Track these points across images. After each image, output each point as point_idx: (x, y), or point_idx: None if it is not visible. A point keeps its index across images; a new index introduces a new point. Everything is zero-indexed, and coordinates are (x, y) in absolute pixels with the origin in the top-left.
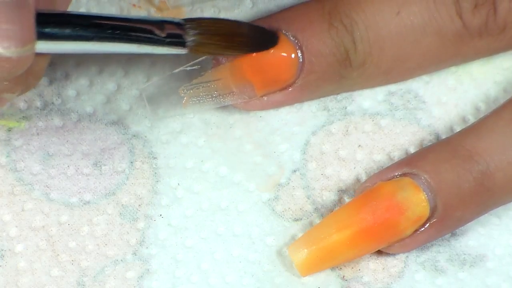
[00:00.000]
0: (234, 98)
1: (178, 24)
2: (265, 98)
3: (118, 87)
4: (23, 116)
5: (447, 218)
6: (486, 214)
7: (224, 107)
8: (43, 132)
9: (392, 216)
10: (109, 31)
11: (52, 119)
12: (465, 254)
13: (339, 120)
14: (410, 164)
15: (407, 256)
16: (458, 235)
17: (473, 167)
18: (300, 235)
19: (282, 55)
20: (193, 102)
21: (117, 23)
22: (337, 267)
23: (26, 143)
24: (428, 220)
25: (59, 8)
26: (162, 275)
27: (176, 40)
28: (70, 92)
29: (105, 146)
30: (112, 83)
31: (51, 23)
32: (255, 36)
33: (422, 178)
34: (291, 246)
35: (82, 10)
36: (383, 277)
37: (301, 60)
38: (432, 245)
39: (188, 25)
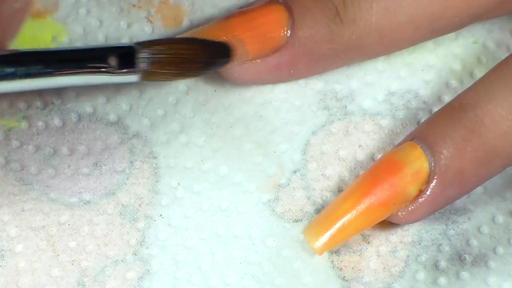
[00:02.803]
0: None
1: (130, 51)
2: (258, 61)
3: (118, 87)
4: (23, 116)
5: (447, 170)
6: (486, 214)
7: (224, 107)
8: (43, 132)
9: (390, 174)
10: (56, 67)
11: (52, 119)
12: (466, 254)
13: (339, 120)
14: (409, 135)
15: (408, 256)
16: (458, 235)
17: (462, 115)
18: (300, 236)
19: (271, 14)
20: None
21: (64, 56)
22: (338, 268)
23: (26, 143)
24: (430, 177)
25: (7, 40)
26: (163, 276)
27: (126, 70)
28: (70, 92)
29: (105, 146)
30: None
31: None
32: (208, 59)
33: (418, 137)
34: (305, 230)
35: (82, 10)
36: (384, 277)
37: (290, 19)
38: (432, 244)
39: (141, 53)
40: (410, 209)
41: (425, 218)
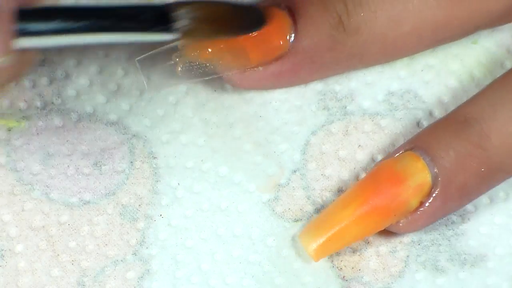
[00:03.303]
0: (227, 64)
1: (166, 9)
2: (260, 68)
3: (118, 87)
4: (23, 116)
5: (449, 184)
6: (486, 214)
7: (224, 107)
8: (43, 132)
9: (393, 186)
10: (93, 21)
11: (52, 119)
12: (465, 254)
13: (339, 120)
14: (409, 142)
15: (407, 256)
16: (458, 235)
17: (468, 129)
18: (301, 231)
19: (275, 22)
20: (186, 69)
21: (101, 12)
22: (338, 267)
23: (26, 143)
24: (432, 190)
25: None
26: (163, 276)
27: (165, 26)
28: (70, 92)
29: (105, 146)
30: (112, 83)
31: (33, 19)
32: (243, 19)
33: (421, 148)
34: (301, 234)
35: None
36: (384, 277)
37: (293, 27)
38: (432, 244)
39: (178, 10)
40: (409, 219)
41: (424, 228)
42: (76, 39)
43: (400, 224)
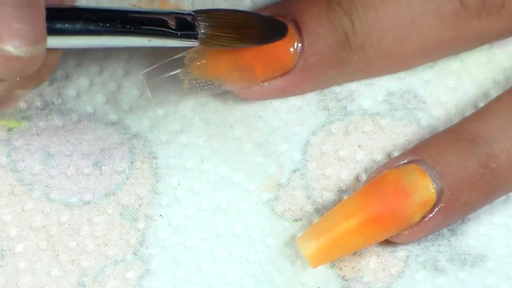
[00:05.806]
0: (234, 81)
1: (189, 16)
2: (266, 84)
3: (118, 87)
4: (23, 116)
5: (454, 202)
6: (486, 214)
7: (224, 107)
8: (43, 132)
9: (398, 200)
10: (120, 25)
11: (52, 119)
12: (465, 254)
13: (339, 120)
14: (415, 152)
15: (407, 256)
16: (458, 235)
17: (476, 148)
18: (300, 235)
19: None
20: (193, 85)
21: (129, 15)
22: (337, 267)
23: (26, 143)
24: (435, 205)
25: (68, 2)
26: (162, 275)
27: (188, 32)
28: (70, 92)
29: (105, 146)
30: (112, 83)
31: (62, 19)
32: (266, 28)
33: (427, 162)
34: (299, 238)
35: None
36: (384, 277)
37: (300, 43)
38: (432, 244)
39: (199, 17)
40: (409, 231)
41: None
42: (101, 41)
43: (399, 235)
